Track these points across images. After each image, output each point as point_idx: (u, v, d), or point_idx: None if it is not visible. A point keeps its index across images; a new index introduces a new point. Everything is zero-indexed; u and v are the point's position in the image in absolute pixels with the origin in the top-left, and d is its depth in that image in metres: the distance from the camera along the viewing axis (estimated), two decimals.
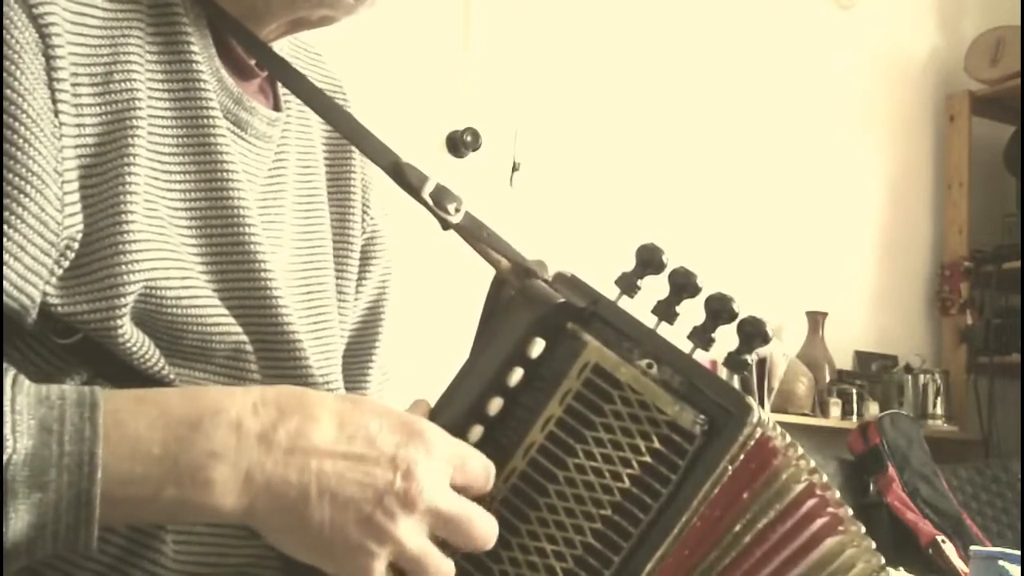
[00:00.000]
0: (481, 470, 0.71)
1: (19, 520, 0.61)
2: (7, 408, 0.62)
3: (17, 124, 0.70)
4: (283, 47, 0.93)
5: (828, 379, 3.59)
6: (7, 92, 0.71)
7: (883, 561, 0.73)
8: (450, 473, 0.69)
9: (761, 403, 3.10)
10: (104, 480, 0.63)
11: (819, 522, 0.72)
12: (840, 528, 0.72)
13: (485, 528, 0.70)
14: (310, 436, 0.67)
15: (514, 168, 3.17)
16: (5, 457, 0.61)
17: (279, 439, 0.66)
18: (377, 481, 0.66)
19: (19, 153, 0.70)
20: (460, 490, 0.70)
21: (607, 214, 3.24)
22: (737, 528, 0.71)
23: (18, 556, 0.63)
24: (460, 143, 3.07)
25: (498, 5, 3.18)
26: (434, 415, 0.74)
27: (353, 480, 0.66)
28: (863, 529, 0.73)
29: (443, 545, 0.69)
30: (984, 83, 3.94)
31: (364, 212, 0.99)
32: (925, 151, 4.04)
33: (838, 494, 0.73)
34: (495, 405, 0.73)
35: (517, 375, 0.73)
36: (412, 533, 0.67)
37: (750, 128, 3.60)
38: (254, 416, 0.66)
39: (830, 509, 0.72)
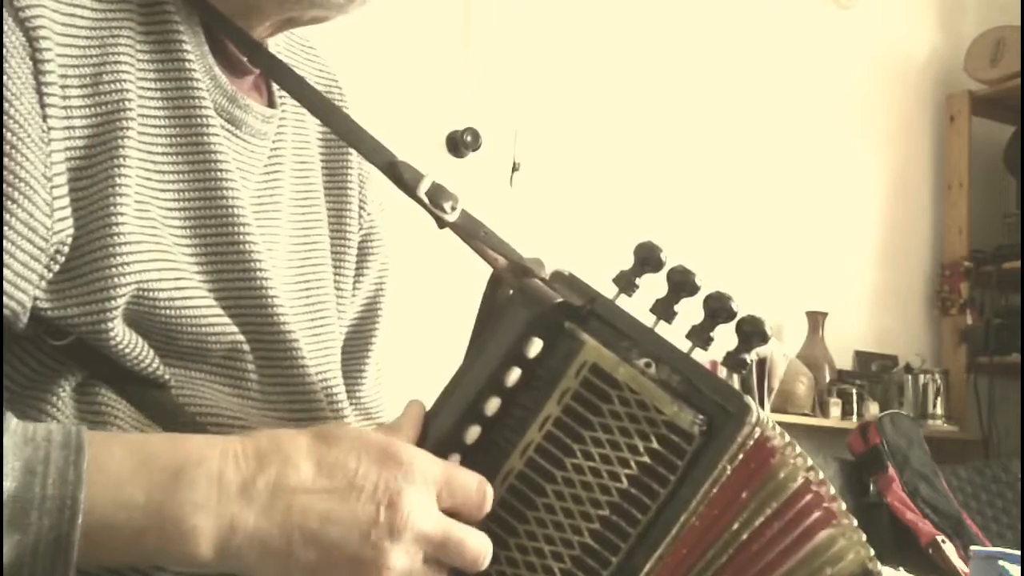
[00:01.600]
0: (470, 486, 0.71)
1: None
2: None
3: (5, 130, 0.70)
4: (278, 42, 0.93)
5: (828, 379, 3.59)
6: None
7: (872, 552, 0.73)
8: (435, 495, 0.69)
9: (761, 403, 3.09)
10: (85, 525, 0.63)
11: (814, 516, 0.72)
12: (833, 522, 0.72)
13: (478, 547, 0.69)
14: (289, 481, 0.67)
15: (514, 168, 3.16)
16: None
17: (259, 489, 0.66)
18: (359, 517, 0.66)
19: (7, 159, 0.70)
20: (451, 510, 0.70)
21: (607, 214, 3.23)
22: (735, 526, 0.71)
23: None
24: (460, 143, 3.07)
25: (498, 5, 3.18)
26: (431, 415, 0.74)
27: (336, 520, 0.66)
28: (855, 522, 0.73)
29: (438, 563, 0.69)
30: (984, 83, 3.94)
31: (361, 208, 0.98)
32: (925, 151, 4.04)
33: (833, 489, 0.73)
34: (492, 405, 0.73)
35: (515, 375, 0.73)
36: (403, 563, 0.67)
37: (750, 128, 3.60)
38: (235, 468, 0.66)
39: (825, 504, 0.72)
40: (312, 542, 0.66)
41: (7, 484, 0.61)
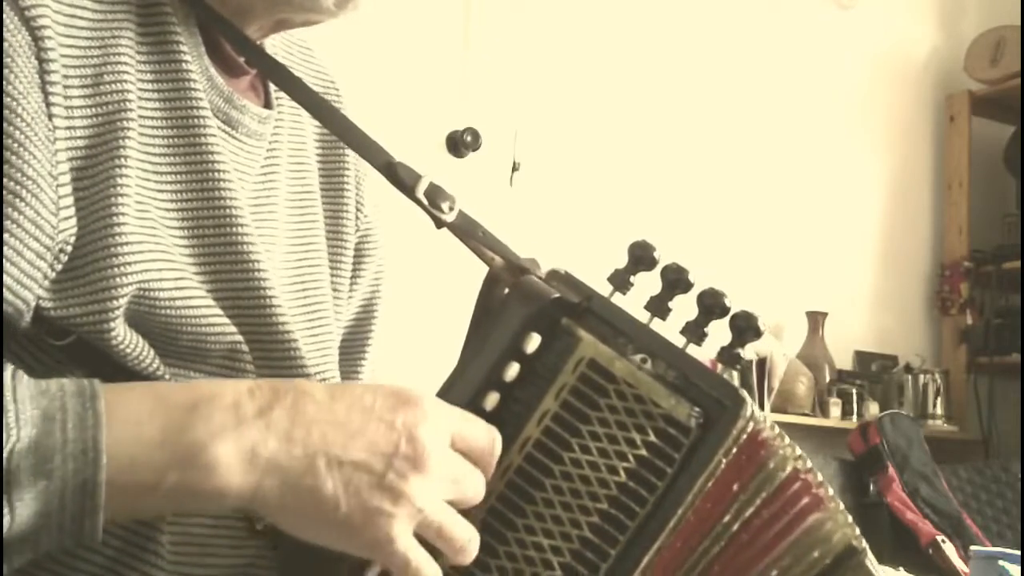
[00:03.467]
0: (483, 434, 0.70)
1: (25, 508, 0.61)
2: (8, 398, 0.62)
3: (12, 128, 0.70)
4: (275, 43, 0.93)
5: (828, 379, 3.59)
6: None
7: (858, 531, 0.74)
8: (449, 438, 0.69)
9: (761, 403, 3.10)
10: (108, 467, 0.62)
11: (803, 502, 0.73)
12: (821, 506, 0.73)
13: (477, 490, 0.69)
14: (307, 410, 0.66)
15: (514, 168, 3.17)
16: (9, 446, 0.60)
17: (278, 416, 0.65)
18: (382, 445, 0.66)
19: (14, 157, 0.70)
20: (463, 453, 0.69)
21: (607, 214, 3.24)
22: (727, 518, 0.72)
23: (24, 548, 0.62)
24: (460, 143, 3.07)
25: (498, 5, 3.19)
26: None
27: (358, 446, 0.65)
28: (841, 505, 0.73)
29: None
30: (984, 83, 3.94)
31: (358, 209, 0.99)
32: (925, 151, 4.04)
33: (820, 476, 0.73)
34: (491, 400, 0.73)
35: (513, 370, 0.73)
36: (428, 494, 0.66)
37: (750, 128, 3.60)
38: (250, 398, 0.66)
39: (813, 490, 0.73)
40: (336, 466, 0.65)
41: (28, 431, 0.61)
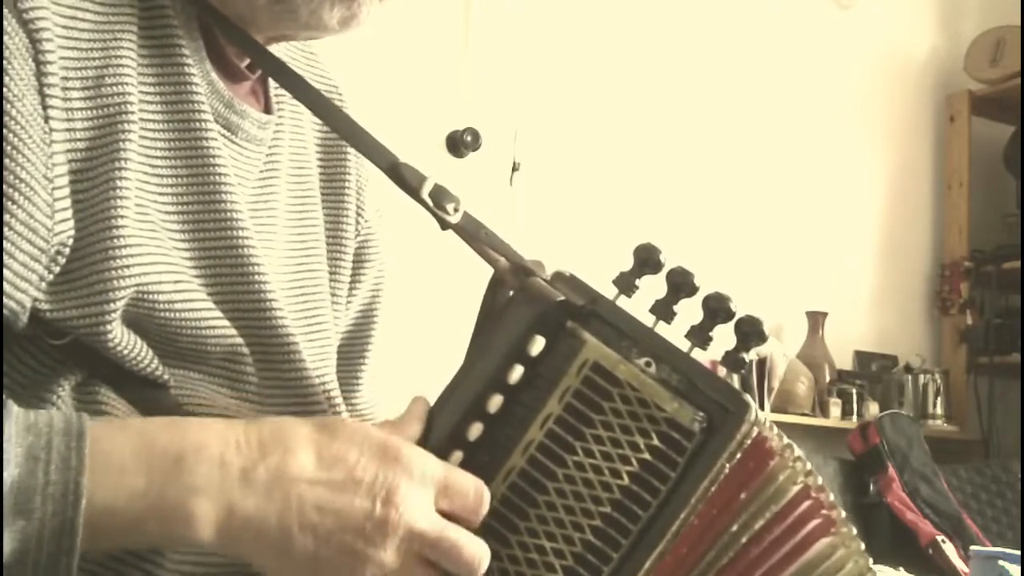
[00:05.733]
0: (468, 488, 0.71)
1: (2, 547, 0.61)
2: None
3: (6, 130, 0.70)
4: (278, 47, 0.93)
5: (828, 379, 3.59)
6: None
7: (871, 562, 0.73)
8: (433, 496, 0.70)
9: (761, 403, 3.10)
10: (88, 510, 0.63)
11: (813, 524, 0.72)
12: (832, 530, 0.73)
13: (474, 552, 0.70)
14: (290, 469, 0.68)
15: (514, 168, 3.17)
16: None
17: (260, 475, 0.67)
18: (355, 510, 0.67)
19: (8, 160, 0.70)
20: (448, 512, 0.70)
21: (607, 214, 3.24)
22: (734, 528, 0.72)
23: None
24: (460, 143, 3.07)
25: (498, 5, 3.18)
26: (434, 412, 0.74)
27: (332, 511, 0.67)
28: (854, 531, 0.73)
29: (429, 564, 0.69)
30: (984, 83, 3.94)
31: (358, 215, 0.99)
32: (925, 151, 4.04)
33: (832, 496, 0.73)
34: (495, 403, 0.74)
35: (517, 372, 0.73)
36: (392, 558, 0.68)
37: (750, 128, 3.60)
38: (236, 454, 0.67)
39: (824, 511, 0.73)
40: (308, 531, 0.67)
41: (11, 471, 0.61)
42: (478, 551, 0.70)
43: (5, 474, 0.61)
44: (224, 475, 0.66)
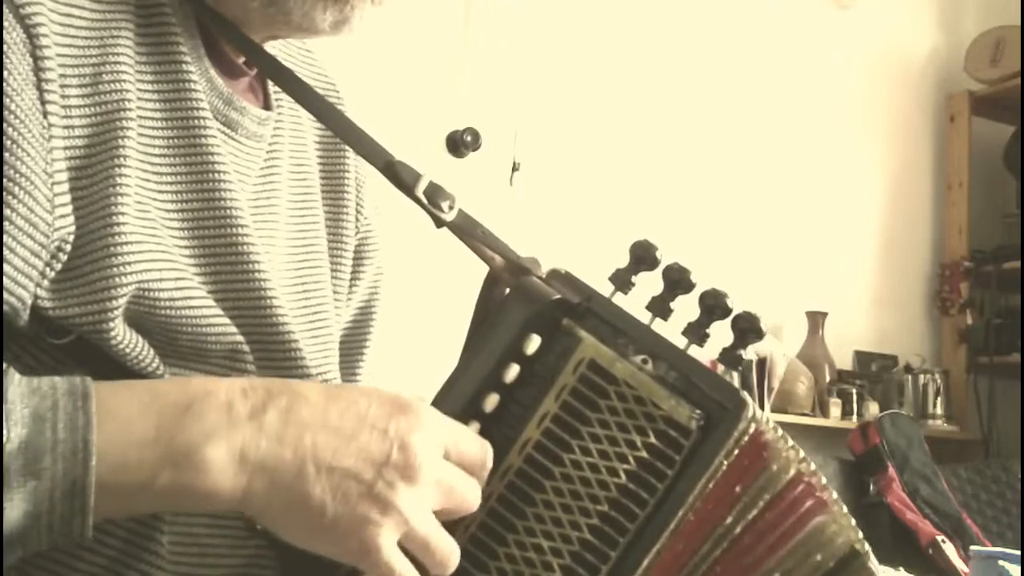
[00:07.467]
0: (476, 446, 0.70)
1: (14, 510, 0.60)
2: None
3: (5, 124, 0.70)
4: (275, 45, 0.93)
5: (828, 379, 3.59)
6: None
7: (861, 535, 0.73)
8: (443, 447, 0.69)
9: (761, 403, 3.09)
10: (99, 467, 0.62)
11: (806, 506, 0.72)
12: (824, 509, 0.73)
13: (474, 498, 0.69)
14: (300, 413, 0.66)
15: (514, 168, 3.17)
16: None
17: (270, 418, 0.65)
18: (373, 453, 0.66)
19: (7, 155, 0.70)
20: (457, 464, 0.69)
21: (607, 214, 3.24)
22: (729, 520, 0.72)
23: (13, 548, 0.62)
24: (460, 143, 3.07)
25: (498, 5, 3.18)
26: None
27: (349, 453, 0.65)
28: (845, 508, 0.73)
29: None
30: (984, 83, 3.94)
31: (358, 212, 0.99)
32: (925, 151, 4.04)
33: (824, 479, 0.73)
34: (491, 402, 0.73)
35: (513, 371, 0.73)
36: (416, 505, 0.66)
37: (750, 128, 3.60)
38: (243, 398, 0.66)
39: (816, 493, 0.72)
40: (325, 472, 0.65)
41: (18, 431, 0.60)
42: (475, 495, 0.70)
43: (14, 435, 0.60)
44: (233, 418, 0.65)
